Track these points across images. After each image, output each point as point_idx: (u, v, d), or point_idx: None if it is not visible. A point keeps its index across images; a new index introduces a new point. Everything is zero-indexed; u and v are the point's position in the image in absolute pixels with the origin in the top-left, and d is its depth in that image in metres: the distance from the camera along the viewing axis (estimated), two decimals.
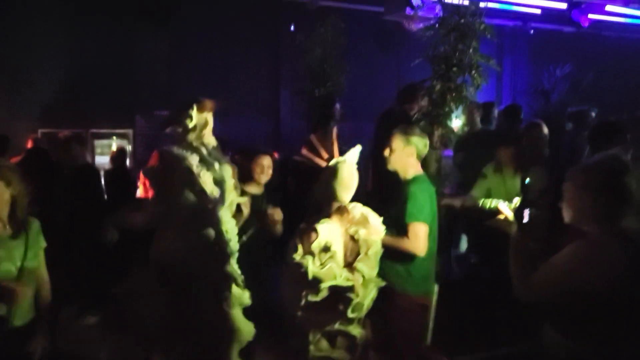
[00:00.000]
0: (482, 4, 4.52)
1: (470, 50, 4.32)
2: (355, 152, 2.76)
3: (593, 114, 5.86)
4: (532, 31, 8.95)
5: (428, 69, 4.51)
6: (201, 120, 2.90)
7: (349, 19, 7.15)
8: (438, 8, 4.93)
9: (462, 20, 4.31)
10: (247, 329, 2.86)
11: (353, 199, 2.76)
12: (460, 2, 4.49)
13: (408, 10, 6.55)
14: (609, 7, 7.64)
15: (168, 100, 7.93)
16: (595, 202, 1.92)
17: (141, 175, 5.14)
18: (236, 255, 2.88)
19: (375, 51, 8.87)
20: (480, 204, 2.81)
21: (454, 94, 4.25)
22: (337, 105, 5.41)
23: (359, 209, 2.69)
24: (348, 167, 2.70)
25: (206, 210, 2.80)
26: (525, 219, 2.20)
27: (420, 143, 3.21)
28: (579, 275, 1.89)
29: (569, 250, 1.98)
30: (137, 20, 7.37)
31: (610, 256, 1.88)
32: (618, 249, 1.89)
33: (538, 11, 7.79)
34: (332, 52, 6.65)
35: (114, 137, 7.40)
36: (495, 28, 4.56)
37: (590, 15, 7.59)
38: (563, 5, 7.60)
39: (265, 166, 3.47)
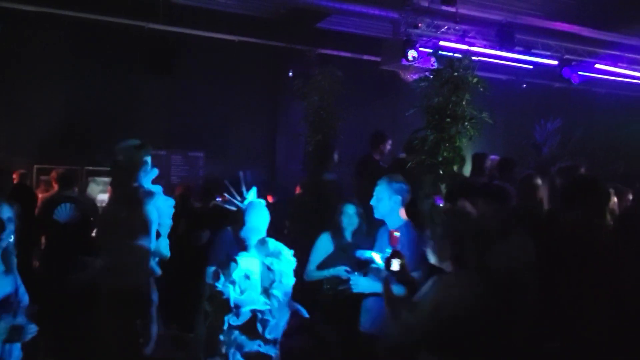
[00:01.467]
0: (474, 58, 4.66)
1: (464, 102, 4.41)
2: (253, 192, 3.19)
3: (582, 170, 5.91)
4: (524, 85, 9.19)
5: (423, 118, 4.60)
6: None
7: (347, 67, 7.32)
8: (433, 60, 5.08)
9: (456, 73, 4.42)
10: None
11: None
12: (454, 55, 4.64)
13: (404, 61, 6.73)
14: (598, 65, 7.87)
15: (166, 142, 8.05)
16: (451, 245, 2.43)
17: None
18: None
19: (372, 99, 9.03)
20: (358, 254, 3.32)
21: (447, 144, 4.32)
22: (336, 152, 5.54)
23: (273, 243, 3.13)
24: (258, 206, 3.15)
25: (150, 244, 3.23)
26: (394, 267, 2.66)
27: (404, 191, 3.32)
28: (438, 306, 2.33)
29: (430, 285, 2.48)
30: (138, 64, 7.52)
31: (462, 289, 2.34)
32: (468, 283, 2.36)
33: (530, 66, 8.00)
34: (329, 99, 6.76)
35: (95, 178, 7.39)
36: (489, 81, 4.68)
37: (581, 72, 7.80)
38: (554, 62, 7.82)
39: None
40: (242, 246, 3.08)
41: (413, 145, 4.78)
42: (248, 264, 2.97)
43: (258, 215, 3.13)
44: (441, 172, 4.33)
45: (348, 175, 5.99)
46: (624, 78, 8.34)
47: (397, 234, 2.91)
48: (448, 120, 4.33)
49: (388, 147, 6.13)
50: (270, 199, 5.47)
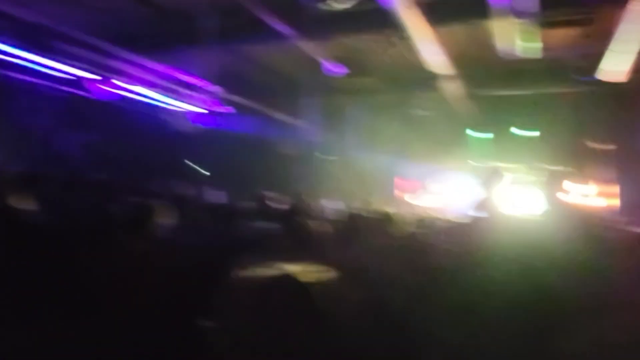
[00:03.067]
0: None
1: None
2: None
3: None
4: (66, 94, 8.96)
5: None
6: None
7: None
8: None
9: None
10: None
11: None
12: None
13: None
14: (125, 85, 8.32)
15: None
16: None
17: None
18: None
19: None
20: None
21: None
22: None
23: None
24: None
25: None
26: None
27: None
28: None
29: None
30: None
31: None
32: None
33: (68, 76, 7.82)
34: None
35: None
36: (24, 86, 4.37)
37: (109, 88, 8.06)
38: (88, 75, 7.83)
39: None
40: None
41: None
42: None
43: None
44: None
45: None
46: (147, 99, 9.06)
47: None
48: None
49: None
50: None
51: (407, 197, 12.76)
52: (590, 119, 11.30)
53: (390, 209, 6.51)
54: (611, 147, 11.11)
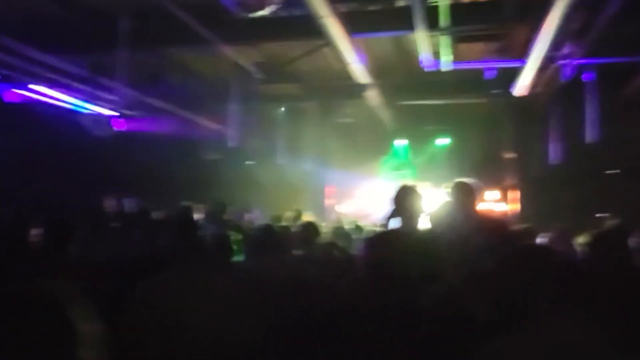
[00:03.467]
0: None
1: None
2: None
3: None
4: None
5: None
6: None
7: None
8: None
9: None
10: None
11: None
12: None
13: None
14: (33, 86, 7.72)
15: None
16: None
17: None
18: None
19: None
20: None
21: None
22: None
23: None
24: None
25: None
26: None
27: None
28: None
29: None
30: None
31: None
32: None
33: None
34: None
35: None
36: None
37: (16, 90, 7.46)
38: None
39: None
40: None
41: None
42: None
43: None
44: None
45: None
46: (59, 102, 8.48)
47: None
48: None
49: None
50: None
51: (337, 206, 12.84)
52: (498, 128, 11.99)
53: (314, 218, 6.47)
54: (514, 155, 11.77)
